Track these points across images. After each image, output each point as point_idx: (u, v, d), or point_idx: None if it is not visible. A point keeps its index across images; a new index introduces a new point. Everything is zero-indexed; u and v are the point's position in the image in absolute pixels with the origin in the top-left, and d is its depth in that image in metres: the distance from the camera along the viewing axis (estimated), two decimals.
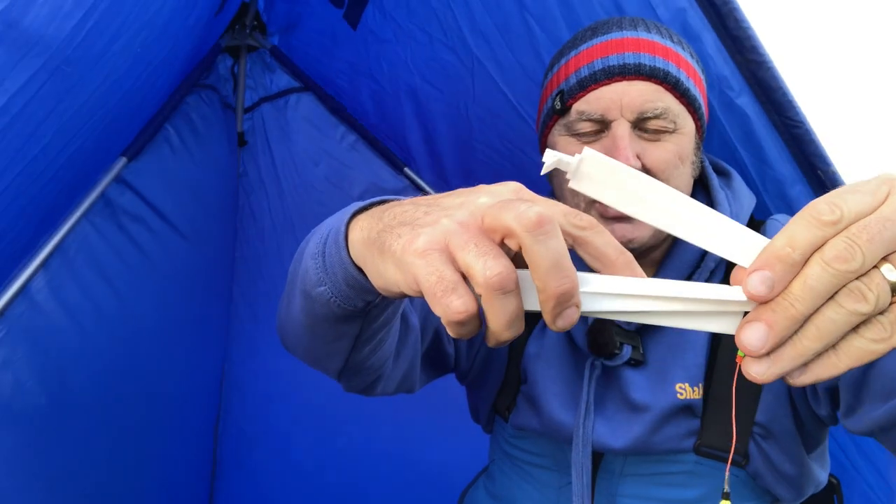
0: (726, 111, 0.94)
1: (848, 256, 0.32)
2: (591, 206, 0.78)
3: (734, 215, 0.82)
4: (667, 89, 0.76)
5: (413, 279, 0.39)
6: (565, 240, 0.38)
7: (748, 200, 0.85)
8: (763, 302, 0.34)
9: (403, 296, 0.44)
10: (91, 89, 0.92)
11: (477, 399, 0.99)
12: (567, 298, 0.36)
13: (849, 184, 0.36)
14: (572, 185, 0.39)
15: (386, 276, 0.43)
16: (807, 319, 0.34)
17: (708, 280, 0.81)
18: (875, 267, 0.33)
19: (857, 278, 0.33)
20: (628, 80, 0.75)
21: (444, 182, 1.56)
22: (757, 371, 0.35)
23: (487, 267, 0.36)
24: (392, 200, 0.50)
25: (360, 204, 0.54)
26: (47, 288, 1.05)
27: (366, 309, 0.57)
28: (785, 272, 0.33)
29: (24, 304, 1.02)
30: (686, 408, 0.79)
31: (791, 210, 0.95)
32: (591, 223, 0.39)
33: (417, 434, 1.61)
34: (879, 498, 1.03)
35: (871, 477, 1.04)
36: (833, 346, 0.34)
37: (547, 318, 0.37)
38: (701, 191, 0.86)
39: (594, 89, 0.77)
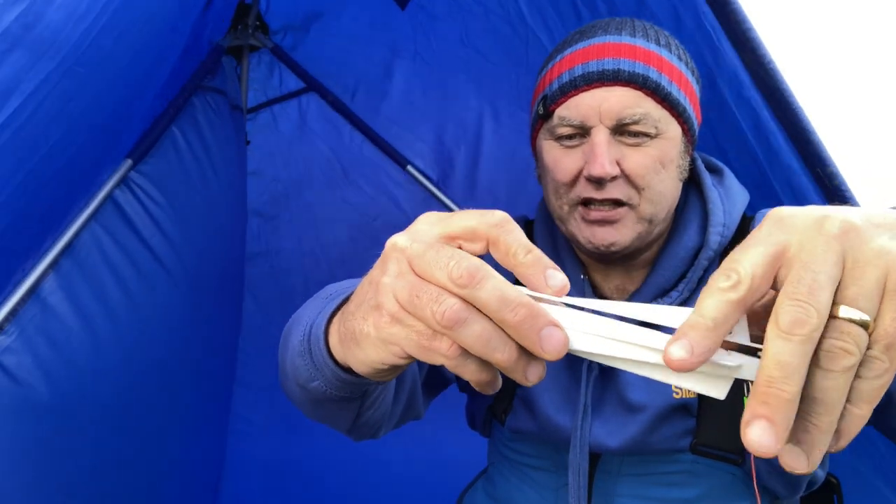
0: (738, 102, 0.96)
1: (802, 318, 0.31)
2: (574, 208, 0.79)
3: (726, 212, 0.82)
4: (647, 94, 0.75)
5: (398, 348, 0.41)
6: (484, 244, 0.40)
7: (741, 198, 0.85)
8: (687, 369, 0.33)
9: (394, 369, 0.45)
10: (97, 88, 0.93)
11: (474, 405, 0.99)
12: (532, 322, 0.36)
13: (745, 240, 0.36)
14: None
15: (369, 360, 0.44)
16: (805, 394, 0.33)
17: (703, 277, 0.81)
18: (833, 316, 0.32)
19: (826, 337, 0.32)
20: (607, 86, 0.75)
21: (475, 164, 1.61)
22: (801, 466, 0.34)
23: (435, 312, 0.37)
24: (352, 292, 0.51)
25: (335, 302, 0.55)
26: (59, 290, 1.06)
27: (362, 390, 0.58)
28: (700, 336, 0.33)
29: (36, 307, 1.02)
30: (682, 407, 0.79)
31: (797, 198, 0.97)
32: (502, 220, 0.40)
33: (417, 433, 1.60)
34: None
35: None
36: (847, 400, 0.34)
37: (533, 350, 0.37)
38: (694, 190, 0.87)
39: (574, 95, 0.76)
